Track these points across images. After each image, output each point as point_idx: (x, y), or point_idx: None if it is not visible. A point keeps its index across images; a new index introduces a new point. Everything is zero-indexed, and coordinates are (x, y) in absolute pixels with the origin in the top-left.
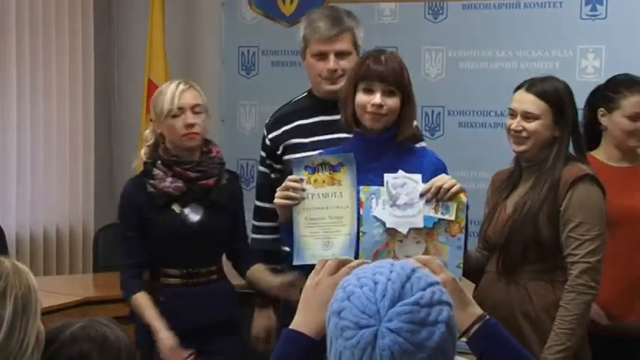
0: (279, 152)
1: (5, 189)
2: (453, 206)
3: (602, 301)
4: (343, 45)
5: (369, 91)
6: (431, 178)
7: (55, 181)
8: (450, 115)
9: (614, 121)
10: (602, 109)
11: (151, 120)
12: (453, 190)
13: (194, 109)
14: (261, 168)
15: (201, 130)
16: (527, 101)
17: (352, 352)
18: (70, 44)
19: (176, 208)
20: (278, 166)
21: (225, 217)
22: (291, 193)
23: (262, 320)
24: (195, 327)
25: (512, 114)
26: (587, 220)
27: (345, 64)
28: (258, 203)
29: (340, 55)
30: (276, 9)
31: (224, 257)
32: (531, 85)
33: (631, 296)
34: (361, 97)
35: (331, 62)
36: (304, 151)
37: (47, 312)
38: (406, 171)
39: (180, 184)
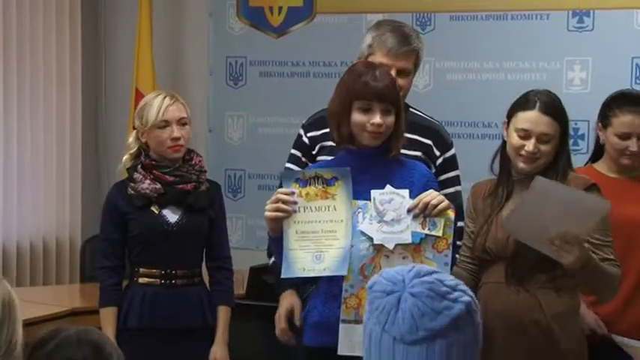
0: (314, 152)
1: None
2: (441, 222)
3: (595, 310)
4: (406, 64)
5: (367, 110)
6: (422, 191)
7: (42, 191)
8: None
9: (607, 138)
10: (599, 123)
11: (133, 128)
12: (441, 206)
13: (179, 121)
14: (294, 166)
15: (186, 142)
16: (544, 123)
17: (378, 321)
18: (58, 54)
19: (155, 209)
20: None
21: (204, 221)
22: (282, 206)
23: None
24: (172, 328)
25: (526, 136)
26: (604, 226)
27: (402, 81)
28: None
29: (400, 72)
30: (264, 20)
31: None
32: (543, 104)
33: (623, 304)
34: (359, 117)
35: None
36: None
37: (34, 322)
38: (398, 184)
39: (158, 186)
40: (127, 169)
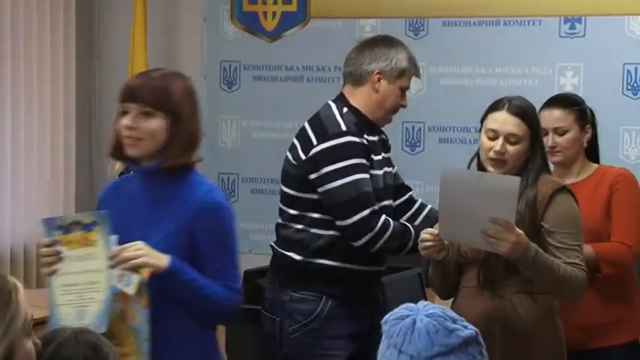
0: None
1: None
2: (135, 279)
3: None
4: None
5: (124, 113)
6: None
7: (36, 194)
8: (431, 130)
9: None
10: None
11: None
12: (133, 262)
13: None
14: (365, 175)
15: None
16: (511, 123)
17: (394, 344)
18: (52, 57)
19: None
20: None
21: None
22: (43, 260)
23: None
24: None
25: (494, 136)
26: (571, 230)
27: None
28: (376, 207)
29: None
30: (257, 24)
31: None
32: (512, 106)
33: (566, 307)
34: (118, 122)
35: (407, 101)
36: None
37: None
38: (167, 212)
39: None
40: (119, 175)
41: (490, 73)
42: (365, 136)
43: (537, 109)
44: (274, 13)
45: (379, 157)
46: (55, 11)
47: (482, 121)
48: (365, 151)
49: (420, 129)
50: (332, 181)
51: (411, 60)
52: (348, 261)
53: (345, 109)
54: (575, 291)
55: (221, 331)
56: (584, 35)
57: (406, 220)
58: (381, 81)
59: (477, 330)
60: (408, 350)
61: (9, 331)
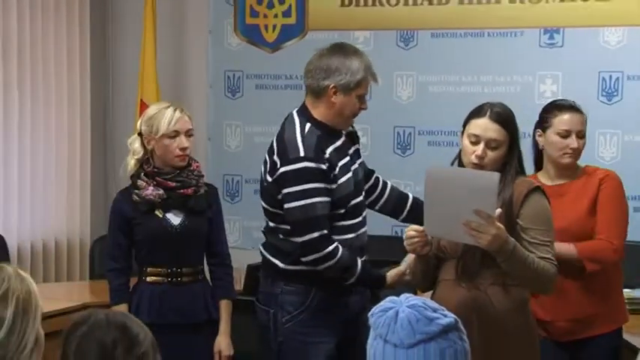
0: (332, 177)
1: (7, 202)
2: None
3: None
4: None
5: None
6: None
7: (54, 195)
8: (420, 134)
9: (547, 140)
10: (538, 130)
11: (139, 134)
12: None
13: (187, 133)
14: (319, 199)
15: (190, 152)
16: (491, 129)
17: (380, 335)
18: (68, 69)
19: (159, 213)
20: (332, 185)
21: (204, 222)
22: None
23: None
24: (179, 322)
25: (475, 141)
26: (544, 227)
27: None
28: (326, 231)
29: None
30: (259, 36)
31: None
32: (493, 113)
33: (554, 303)
34: None
35: (366, 104)
36: (340, 178)
37: (47, 317)
38: None
39: (160, 191)
40: (131, 176)
41: (475, 81)
42: (329, 148)
43: (518, 115)
44: (275, 26)
45: (345, 160)
46: (72, 26)
47: (464, 125)
48: (321, 175)
49: (410, 133)
50: (288, 202)
51: (366, 69)
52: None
53: (307, 126)
54: (546, 284)
55: None
56: (562, 45)
57: (373, 200)
58: (337, 94)
59: (457, 318)
60: (392, 339)
61: (36, 319)
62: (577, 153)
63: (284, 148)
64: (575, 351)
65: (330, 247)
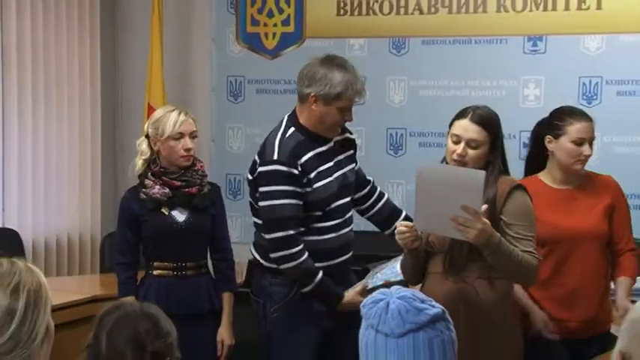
0: (304, 181)
1: (23, 200)
2: None
3: (549, 308)
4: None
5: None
6: None
7: (67, 193)
8: (412, 136)
9: (560, 147)
10: (549, 136)
11: (146, 136)
12: None
13: (191, 134)
14: (288, 201)
15: (194, 153)
16: (472, 130)
17: (371, 325)
18: (80, 74)
19: (165, 210)
20: (303, 191)
21: (207, 219)
22: None
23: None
24: (184, 313)
25: (457, 141)
26: (527, 222)
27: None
28: (291, 232)
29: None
30: (260, 43)
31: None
32: (474, 115)
33: (570, 304)
34: None
35: (351, 115)
36: (317, 182)
37: (60, 308)
38: None
39: (166, 190)
40: (139, 176)
41: (463, 86)
42: (308, 154)
43: (504, 118)
44: (274, 34)
45: (327, 166)
46: (83, 35)
47: (450, 126)
48: (291, 178)
49: (402, 134)
50: (260, 201)
51: (347, 83)
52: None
53: (290, 130)
54: (529, 275)
55: None
56: (544, 52)
57: (363, 209)
58: (317, 102)
59: (444, 309)
60: (383, 329)
61: (46, 311)
62: (588, 159)
63: (263, 149)
64: (578, 348)
65: (294, 250)
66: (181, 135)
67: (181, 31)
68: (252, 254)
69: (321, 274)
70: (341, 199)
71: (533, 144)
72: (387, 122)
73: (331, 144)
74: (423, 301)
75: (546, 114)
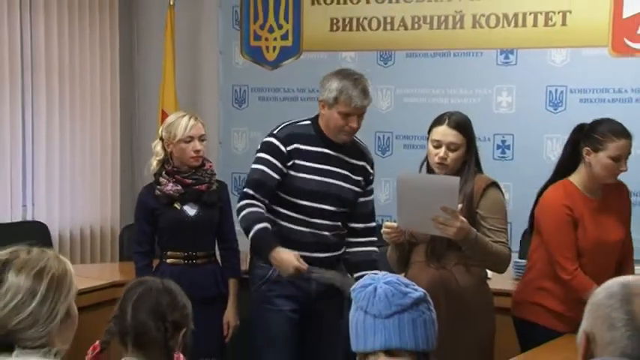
0: (288, 163)
1: (50, 196)
2: None
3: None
4: (364, 110)
5: None
6: None
7: (90, 190)
8: (398, 139)
9: (598, 161)
10: (587, 148)
11: (160, 139)
12: None
13: (200, 138)
14: (263, 167)
15: (203, 154)
16: (450, 134)
17: (361, 307)
18: (101, 82)
19: (177, 205)
20: (285, 171)
21: (215, 213)
22: None
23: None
24: (194, 297)
25: (437, 145)
26: (500, 216)
27: (361, 121)
28: (249, 191)
29: (360, 116)
30: (261, 56)
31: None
32: (451, 121)
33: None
34: None
35: (354, 123)
36: (303, 172)
37: (83, 292)
38: None
39: (179, 187)
40: (154, 174)
41: (443, 94)
42: (303, 146)
43: (478, 122)
44: (274, 48)
45: (319, 166)
46: (104, 47)
47: (429, 132)
48: (276, 151)
49: (389, 137)
50: None
51: (342, 89)
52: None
53: (306, 122)
54: (502, 264)
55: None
56: (515, 64)
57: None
58: (324, 107)
59: (426, 292)
60: (371, 311)
61: (68, 295)
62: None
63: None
64: None
65: (243, 202)
66: (191, 138)
67: (191, 45)
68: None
69: (264, 225)
70: (316, 202)
71: (568, 149)
72: (376, 126)
73: (335, 153)
74: (407, 285)
75: (517, 118)
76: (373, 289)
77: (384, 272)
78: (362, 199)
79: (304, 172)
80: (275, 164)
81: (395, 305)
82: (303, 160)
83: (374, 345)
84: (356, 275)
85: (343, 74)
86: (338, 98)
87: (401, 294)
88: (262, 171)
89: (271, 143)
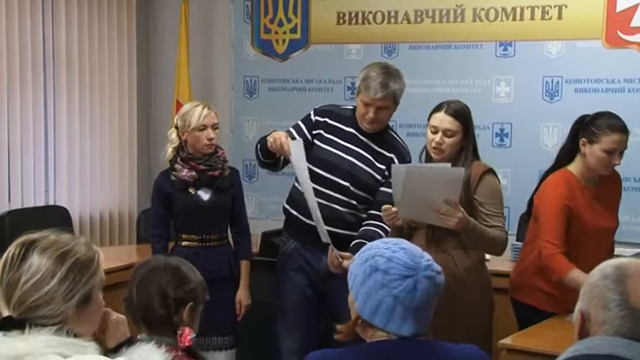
0: (314, 131)
1: (71, 181)
2: None
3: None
4: (384, 103)
5: None
6: None
7: (109, 175)
8: (402, 127)
9: (592, 152)
10: (583, 139)
11: (175, 127)
12: None
13: (214, 126)
14: (291, 128)
15: (216, 142)
16: (447, 121)
17: (395, 296)
18: (119, 74)
19: (192, 190)
20: (309, 137)
21: (228, 198)
22: None
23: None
24: (207, 278)
25: (435, 131)
26: (496, 201)
27: (384, 113)
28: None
29: (380, 108)
30: (271, 48)
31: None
32: (449, 108)
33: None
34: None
35: (371, 113)
36: (324, 143)
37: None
38: None
39: (193, 173)
40: (170, 160)
41: (445, 84)
42: (333, 122)
43: (478, 111)
44: (284, 40)
45: (340, 141)
46: (122, 42)
47: (428, 119)
48: (308, 119)
49: (393, 126)
50: None
51: (363, 79)
52: (298, 212)
53: (350, 107)
54: (499, 248)
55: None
56: (514, 55)
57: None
58: (358, 95)
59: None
60: (408, 305)
61: (90, 281)
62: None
63: None
64: None
65: (266, 139)
66: (205, 127)
67: (205, 38)
68: None
69: (261, 142)
70: (329, 173)
71: (570, 139)
72: None
73: (367, 140)
74: (438, 273)
75: (515, 108)
76: (413, 283)
77: (427, 258)
78: (382, 189)
79: (324, 143)
80: (301, 127)
81: (430, 299)
82: (329, 134)
83: (400, 330)
84: (352, 243)
85: (374, 65)
86: (360, 87)
87: (436, 286)
88: (292, 130)
89: (308, 114)
